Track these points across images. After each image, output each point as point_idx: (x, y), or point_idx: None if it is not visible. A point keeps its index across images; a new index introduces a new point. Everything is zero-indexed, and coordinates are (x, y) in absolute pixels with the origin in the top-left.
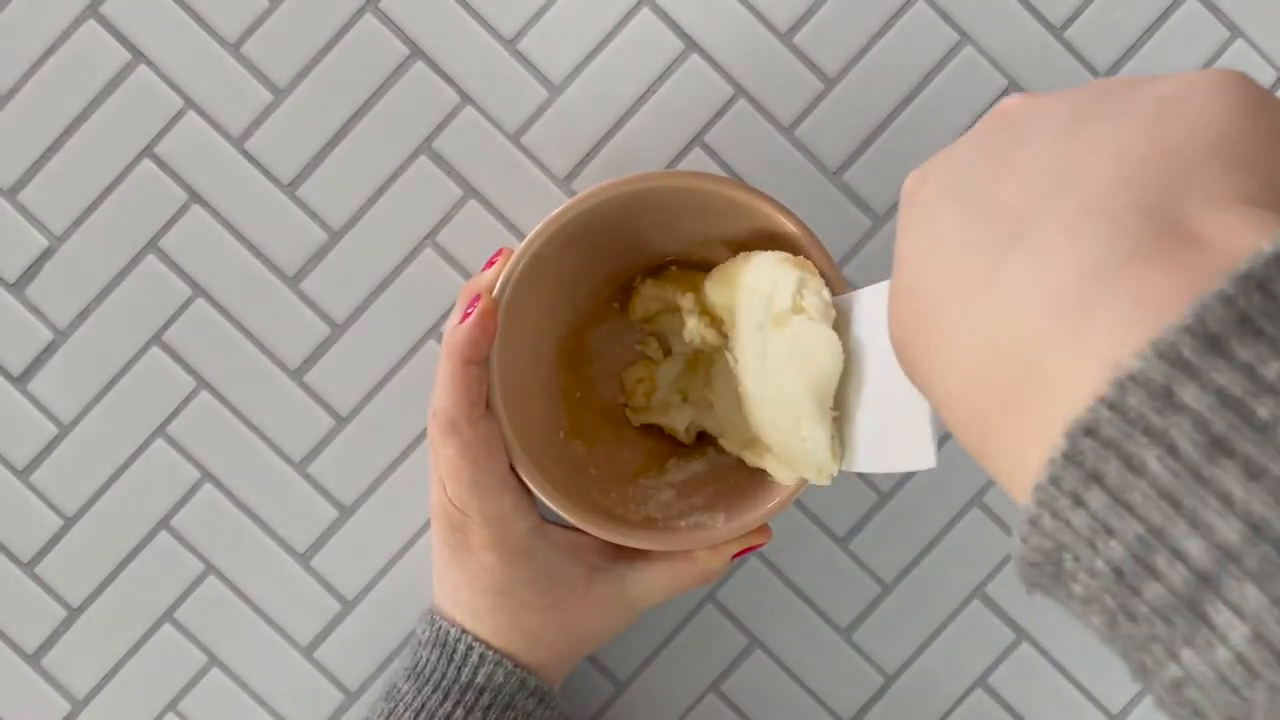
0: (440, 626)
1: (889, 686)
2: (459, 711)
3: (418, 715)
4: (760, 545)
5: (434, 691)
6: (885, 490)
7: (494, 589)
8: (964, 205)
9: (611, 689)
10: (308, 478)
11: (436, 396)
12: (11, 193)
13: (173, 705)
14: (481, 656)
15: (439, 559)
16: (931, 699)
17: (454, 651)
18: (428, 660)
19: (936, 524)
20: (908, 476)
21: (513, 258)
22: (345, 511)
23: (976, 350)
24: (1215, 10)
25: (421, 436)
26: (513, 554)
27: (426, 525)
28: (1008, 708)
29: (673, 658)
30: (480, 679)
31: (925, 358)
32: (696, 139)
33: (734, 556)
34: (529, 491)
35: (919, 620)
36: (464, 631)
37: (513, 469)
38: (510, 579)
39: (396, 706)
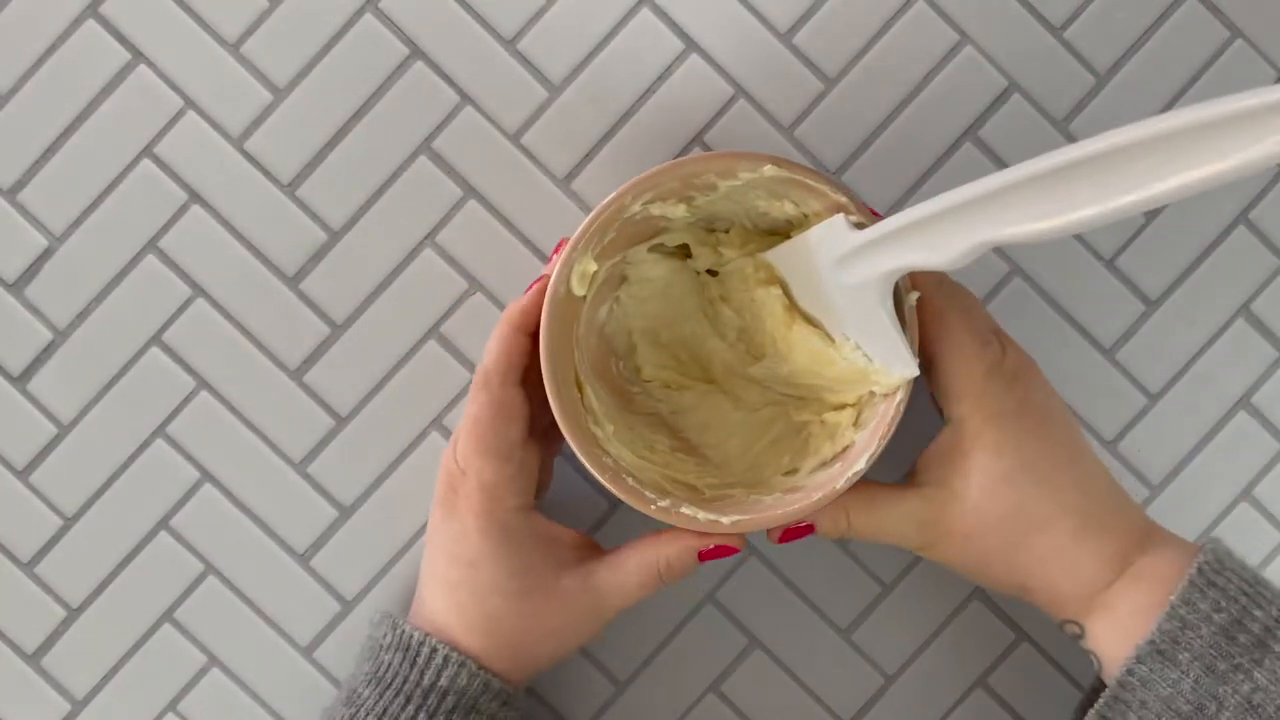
0: (403, 630)
1: (889, 686)
2: (421, 715)
3: None
4: (732, 552)
5: (396, 695)
6: None
7: (466, 558)
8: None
9: (611, 689)
10: (308, 478)
11: (484, 356)
12: (11, 193)
13: (173, 705)
14: (445, 659)
15: (430, 521)
16: (931, 699)
17: (417, 655)
18: (389, 664)
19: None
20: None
21: (569, 244)
22: (345, 511)
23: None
24: (1215, 10)
25: (420, 436)
26: (494, 527)
27: (426, 525)
28: (1008, 708)
29: (673, 658)
30: (443, 682)
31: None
32: (696, 139)
33: (702, 557)
34: (531, 474)
35: (919, 620)
36: (427, 635)
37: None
38: (483, 552)
39: (357, 712)
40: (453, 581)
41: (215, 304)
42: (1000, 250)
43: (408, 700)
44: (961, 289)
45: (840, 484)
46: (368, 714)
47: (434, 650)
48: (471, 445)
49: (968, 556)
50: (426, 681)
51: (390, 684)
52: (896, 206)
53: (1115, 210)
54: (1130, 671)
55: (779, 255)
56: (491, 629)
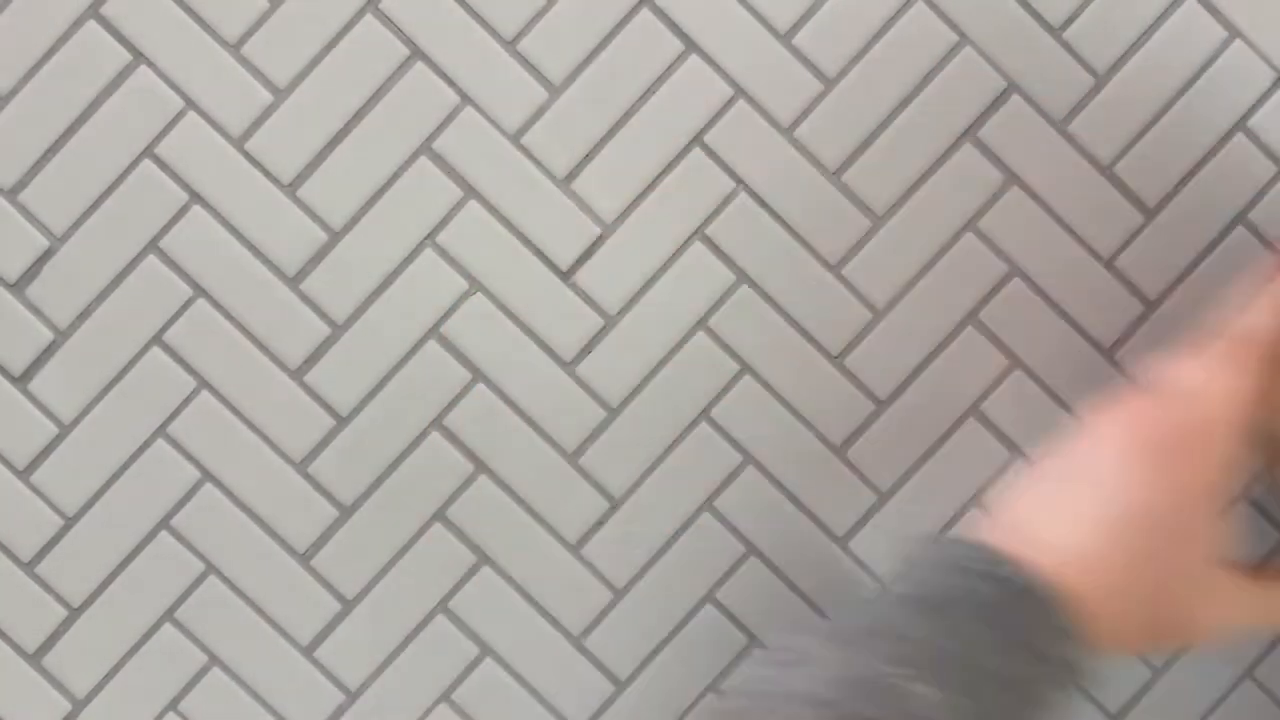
0: (1021, 578)
1: None
2: (1006, 665)
3: (964, 667)
4: None
5: (1017, 650)
6: (884, 489)
7: (1145, 505)
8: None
9: (611, 689)
10: (308, 478)
11: (1250, 318)
12: (11, 193)
13: (173, 705)
14: (1067, 622)
15: (1122, 463)
16: None
17: (1033, 607)
18: (994, 599)
19: (936, 524)
20: (907, 474)
21: None
22: (345, 512)
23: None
24: (1214, 11)
25: (421, 436)
26: (1186, 489)
27: (427, 524)
28: None
29: (673, 657)
30: (1045, 645)
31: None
32: (696, 139)
33: None
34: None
35: None
36: (1052, 588)
37: None
38: (1165, 505)
39: (963, 645)
40: (1103, 520)
41: (215, 304)
42: (999, 249)
43: (1034, 662)
44: None
45: None
46: (947, 658)
47: (1061, 609)
48: (1232, 409)
49: None
50: (1026, 637)
51: (993, 626)
52: (896, 204)
53: None
54: None
55: None
56: (1119, 573)
